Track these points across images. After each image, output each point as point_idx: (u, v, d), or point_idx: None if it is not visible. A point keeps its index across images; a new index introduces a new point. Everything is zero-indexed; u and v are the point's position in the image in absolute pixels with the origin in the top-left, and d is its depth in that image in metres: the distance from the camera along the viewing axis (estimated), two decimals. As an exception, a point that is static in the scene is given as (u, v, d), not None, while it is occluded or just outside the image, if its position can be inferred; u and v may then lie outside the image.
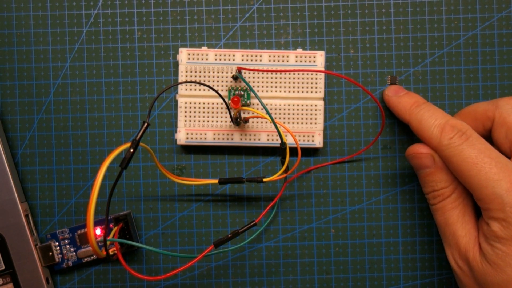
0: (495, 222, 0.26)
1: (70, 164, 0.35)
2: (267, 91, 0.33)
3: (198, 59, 0.33)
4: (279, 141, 0.32)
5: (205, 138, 0.33)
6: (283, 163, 0.30)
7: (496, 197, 0.26)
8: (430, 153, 0.29)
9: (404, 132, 0.34)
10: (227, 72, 0.33)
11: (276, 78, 0.33)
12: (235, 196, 0.35)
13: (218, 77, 0.33)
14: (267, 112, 0.30)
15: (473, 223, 0.29)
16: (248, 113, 0.33)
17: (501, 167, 0.26)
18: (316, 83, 0.33)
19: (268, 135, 0.33)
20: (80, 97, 0.35)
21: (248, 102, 0.33)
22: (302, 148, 0.33)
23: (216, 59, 0.33)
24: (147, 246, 0.32)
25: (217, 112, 0.33)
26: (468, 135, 0.28)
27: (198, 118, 0.33)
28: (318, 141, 0.33)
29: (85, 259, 0.34)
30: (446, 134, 0.28)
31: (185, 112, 0.33)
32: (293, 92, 0.33)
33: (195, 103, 0.33)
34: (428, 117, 0.29)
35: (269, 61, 0.33)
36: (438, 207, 0.29)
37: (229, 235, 0.30)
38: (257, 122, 0.33)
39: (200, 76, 0.33)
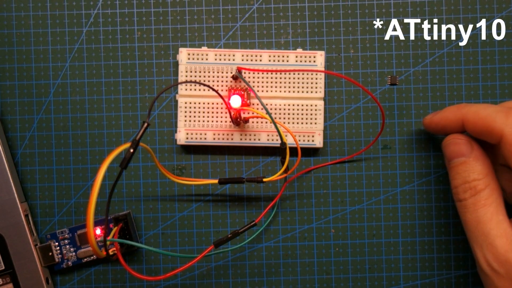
0: None
1: (70, 164, 0.35)
2: (267, 91, 0.33)
3: (198, 59, 0.33)
4: (279, 141, 0.32)
5: (205, 138, 0.33)
6: (283, 163, 0.30)
7: None
8: (469, 140, 0.28)
9: (404, 132, 0.34)
10: (227, 72, 0.33)
11: (276, 78, 0.33)
12: (235, 196, 0.35)
13: (218, 77, 0.33)
14: (267, 112, 0.30)
15: (508, 223, 0.26)
16: (248, 113, 0.33)
17: None
18: (316, 83, 0.33)
19: (268, 135, 0.33)
20: (80, 97, 0.35)
21: (248, 102, 0.33)
22: (302, 148, 0.33)
23: (216, 59, 0.33)
24: (147, 246, 0.32)
25: (217, 112, 0.33)
26: None
27: (198, 118, 0.33)
28: (318, 141, 0.33)
29: (85, 259, 0.34)
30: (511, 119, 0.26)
31: (185, 112, 0.33)
32: (293, 92, 0.33)
33: (195, 103, 0.33)
34: (484, 107, 0.27)
35: (269, 61, 0.33)
36: (469, 203, 0.27)
37: (229, 235, 0.30)
38: (257, 122, 0.33)
39: (200, 76, 0.33)
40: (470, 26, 0.34)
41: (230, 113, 0.32)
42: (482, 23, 0.34)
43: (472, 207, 0.27)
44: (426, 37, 0.34)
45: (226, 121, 0.33)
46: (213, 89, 0.30)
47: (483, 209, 0.27)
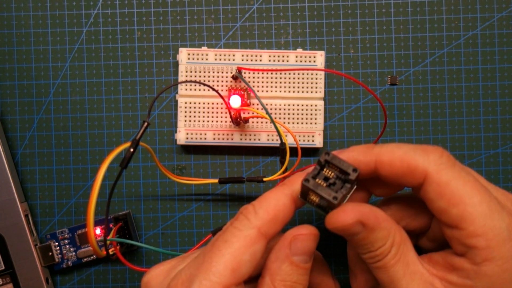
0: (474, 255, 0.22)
1: (70, 164, 0.35)
2: (267, 91, 0.33)
3: (198, 59, 0.33)
4: (279, 141, 0.32)
5: (205, 138, 0.33)
6: (283, 163, 0.30)
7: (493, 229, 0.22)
8: (356, 219, 0.23)
9: (404, 132, 0.34)
10: (227, 72, 0.33)
11: (276, 78, 0.33)
12: (235, 196, 0.35)
13: (218, 77, 0.33)
14: (267, 112, 0.30)
15: (421, 265, 0.24)
16: (248, 113, 0.33)
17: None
18: (316, 83, 0.33)
19: (268, 135, 0.33)
20: (80, 97, 0.35)
21: (248, 102, 0.33)
22: (302, 148, 0.33)
23: (216, 59, 0.33)
24: (147, 245, 0.32)
25: (217, 112, 0.33)
26: (453, 158, 0.24)
27: (198, 118, 0.33)
28: (318, 141, 0.33)
29: (85, 259, 0.34)
30: (434, 156, 0.23)
31: (185, 112, 0.33)
32: (293, 92, 0.33)
33: (195, 103, 0.33)
34: (398, 146, 0.24)
35: (269, 61, 0.33)
36: (378, 266, 0.24)
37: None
38: (257, 122, 0.33)
39: (200, 76, 0.33)
40: (470, 26, 0.34)
41: (230, 113, 0.32)
42: (482, 23, 0.34)
43: (383, 268, 0.24)
44: (426, 37, 0.34)
45: (226, 121, 0.33)
46: (213, 89, 0.30)
47: (394, 268, 0.24)
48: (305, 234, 0.24)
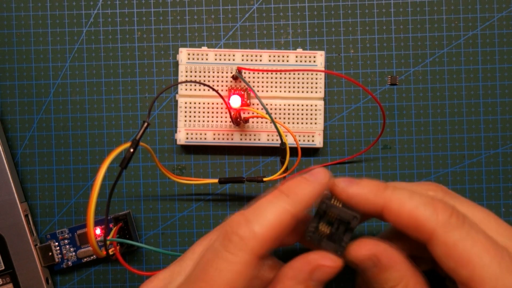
0: None
1: (70, 164, 0.35)
2: (267, 91, 0.33)
3: (198, 59, 0.33)
4: (279, 141, 0.32)
5: (205, 138, 0.33)
6: (283, 163, 0.30)
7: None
8: (369, 255, 0.23)
9: (404, 132, 0.34)
10: (227, 72, 0.33)
11: (276, 78, 0.33)
12: (235, 196, 0.35)
13: (218, 77, 0.33)
14: (267, 112, 0.30)
15: None
16: (248, 113, 0.33)
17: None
18: (316, 83, 0.33)
19: (268, 135, 0.33)
20: (80, 97, 0.35)
21: (248, 102, 0.33)
22: (302, 148, 0.33)
23: (216, 59, 0.33)
24: (147, 245, 0.32)
25: (217, 112, 0.33)
26: (462, 216, 0.23)
27: (198, 118, 0.33)
28: (318, 141, 0.33)
29: (85, 259, 0.34)
30: (443, 216, 0.22)
31: (185, 112, 0.33)
32: (293, 92, 0.33)
33: (195, 103, 0.33)
34: (410, 196, 0.23)
35: (269, 61, 0.33)
36: None
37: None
38: (257, 122, 0.33)
39: (200, 76, 0.33)
40: (470, 26, 0.34)
41: (230, 113, 0.32)
42: (482, 23, 0.34)
43: None
44: (426, 37, 0.34)
45: (226, 121, 0.33)
46: (213, 89, 0.30)
47: None
48: (330, 267, 0.23)
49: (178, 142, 0.33)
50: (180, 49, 0.33)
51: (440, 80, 0.34)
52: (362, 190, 0.24)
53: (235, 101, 0.32)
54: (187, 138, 0.33)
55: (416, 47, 0.34)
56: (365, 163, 0.34)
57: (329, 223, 0.23)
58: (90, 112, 0.35)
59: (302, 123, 0.33)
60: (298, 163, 0.34)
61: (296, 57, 0.33)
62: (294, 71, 0.33)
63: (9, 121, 0.35)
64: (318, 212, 0.23)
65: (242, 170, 0.35)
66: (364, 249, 0.23)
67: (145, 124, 0.26)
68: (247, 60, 0.33)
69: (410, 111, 0.34)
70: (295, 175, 0.25)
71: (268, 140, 0.33)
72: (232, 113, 0.32)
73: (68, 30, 0.35)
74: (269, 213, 0.22)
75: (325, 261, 0.22)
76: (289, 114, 0.33)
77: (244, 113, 0.33)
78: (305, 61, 0.33)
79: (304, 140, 0.33)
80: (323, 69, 0.33)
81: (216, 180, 0.32)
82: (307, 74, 0.33)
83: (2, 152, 0.33)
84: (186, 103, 0.33)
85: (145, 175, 0.35)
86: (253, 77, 0.33)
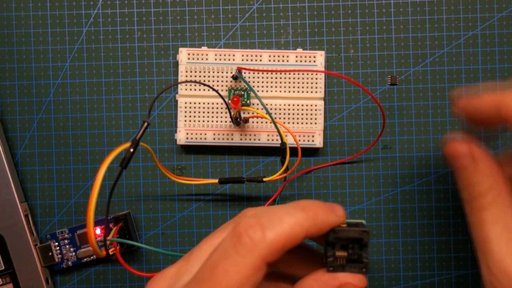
0: None
1: (70, 164, 0.35)
2: (267, 91, 0.33)
3: (198, 59, 0.33)
4: (279, 141, 0.32)
5: (205, 138, 0.33)
6: (283, 163, 0.30)
7: None
8: (468, 151, 0.24)
9: (404, 132, 0.34)
10: (227, 72, 0.33)
11: (276, 78, 0.33)
12: (235, 196, 0.35)
13: (218, 77, 0.33)
14: (267, 112, 0.30)
15: None
16: (248, 113, 0.33)
17: None
18: (316, 83, 0.33)
19: (268, 135, 0.33)
20: (80, 97, 0.35)
21: (248, 102, 0.33)
22: (302, 148, 0.33)
23: (216, 59, 0.33)
24: (147, 245, 0.32)
25: (217, 112, 0.33)
26: None
27: (198, 118, 0.33)
28: (318, 141, 0.33)
29: (85, 259, 0.34)
30: None
31: (185, 112, 0.33)
32: (293, 92, 0.33)
33: (195, 103, 0.33)
34: None
35: (269, 61, 0.33)
36: (473, 206, 0.24)
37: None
38: (257, 122, 0.33)
39: (200, 76, 0.33)
40: (470, 26, 0.34)
41: (230, 113, 0.32)
42: (482, 23, 0.34)
43: (477, 210, 0.24)
44: (426, 37, 0.34)
45: (226, 121, 0.33)
46: (213, 89, 0.30)
47: (487, 213, 0.23)
48: (357, 287, 0.23)
49: (178, 142, 0.33)
50: (180, 49, 0.33)
51: (440, 80, 0.34)
52: (479, 99, 0.25)
53: (235, 101, 0.32)
54: (187, 138, 0.33)
55: (416, 47, 0.34)
56: (365, 163, 0.34)
57: (343, 248, 0.23)
58: (90, 112, 0.35)
59: (302, 123, 0.33)
60: (298, 163, 0.34)
61: (296, 57, 0.33)
62: (294, 71, 0.33)
63: (9, 121, 0.35)
64: (329, 243, 0.23)
65: (242, 170, 0.35)
66: (464, 146, 0.25)
67: (145, 124, 0.26)
68: (247, 60, 0.33)
69: (410, 111, 0.34)
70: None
71: (268, 140, 0.33)
72: (232, 113, 0.32)
73: (68, 30, 0.35)
74: (285, 223, 0.21)
75: (354, 280, 0.22)
76: (289, 114, 0.33)
77: (244, 113, 0.33)
78: (305, 61, 0.33)
79: (304, 140, 0.33)
80: (323, 69, 0.33)
81: (216, 180, 0.32)
82: (307, 74, 0.33)
83: (2, 152, 0.33)
84: (186, 103, 0.33)
85: (145, 175, 0.35)
86: (253, 77, 0.33)
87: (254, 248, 0.21)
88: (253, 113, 0.33)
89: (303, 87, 0.33)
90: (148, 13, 0.35)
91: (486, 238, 0.23)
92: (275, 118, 0.33)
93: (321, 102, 0.33)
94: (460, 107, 0.26)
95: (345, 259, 0.23)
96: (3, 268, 0.32)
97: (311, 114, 0.33)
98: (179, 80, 0.33)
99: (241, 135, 0.33)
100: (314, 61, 0.33)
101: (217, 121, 0.33)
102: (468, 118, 0.26)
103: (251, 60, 0.33)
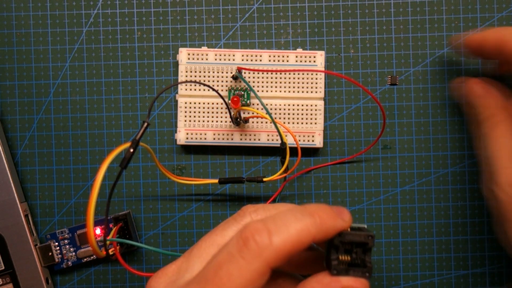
0: None
1: (70, 164, 0.35)
2: (267, 91, 0.33)
3: (198, 59, 0.33)
4: (279, 141, 0.32)
5: (205, 138, 0.33)
6: (283, 163, 0.30)
7: None
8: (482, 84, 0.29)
9: (404, 132, 0.34)
10: (227, 72, 0.33)
11: (276, 78, 0.33)
12: (235, 196, 0.35)
13: (218, 77, 0.33)
14: (267, 112, 0.30)
15: None
16: (248, 113, 0.33)
17: None
18: (316, 83, 0.33)
19: (268, 135, 0.33)
20: (80, 97, 0.35)
21: (248, 102, 0.33)
22: (302, 148, 0.33)
23: (216, 59, 0.33)
24: (147, 245, 0.32)
25: (217, 112, 0.33)
26: None
27: (198, 118, 0.33)
28: (318, 141, 0.33)
29: (85, 259, 0.34)
30: None
31: (185, 112, 0.33)
32: (293, 92, 0.33)
33: (195, 103, 0.33)
34: None
35: (269, 61, 0.33)
36: (482, 118, 0.28)
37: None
38: (257, 122, 0.33)
39: (200, 76, 0.33)
40: (470, 26, 0.34)
41: (230, 113, 0.32)
42: (482, 23, 0.34)
43: (490, 127, 0.27)
44: (426, 37, 0.34)
45: (226, 121, 0.33)
46: (213, 89, 0.30)
47: (499, 128, 0.27)
48: None
49: (178, 142, 0.33)
50: (180, 49, 0.33)
51: (440, 80, 0.34)
52: (483, 33, 0.29)
53: (235, 101, 0.32)
54: (187, 138, 0.33)
55: (416, 47, 0.34)
56: (365, 163, 0.34)
57: (347, 252, 0.23)
58: (90, 112, 0.35)
59: (302, 123, 0.33)
60: (298, 163, 0.34)
61: (296, 57, 0.33)
62: (294, 71, 0.33)
63: (9, 121, 0.35)
64: (333, 246, 0.23)
65: (242, 170, 0.35)
66: (478, 80, 0.30)
67: (145, 124, 0.26)
68: (247, 60, 0.33)
69: (410, 111, 0.34)
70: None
71: (268, 140, 0.33)
72: (232, 113, 0.32)
73: (68, 30, 0.35)
74: (292, 228, 0.21)
75: (356, 284, 0.22)
76: (289, 114, 0.33)
77: (244, 113, 0.33)
78: (305, 61, 0.33)
79: (304, 140, 0.33)
80: (323, 69, 0.33)
81: (216, 180, 0.32)
82: (307, 74, 0.33)
83: (2, 152, 0.33)
84: (186, 103, 0.33)
85: (145, 175, 0.35)
86: (253, 77, 0.33)
87: (260, 254, 0.20)
88: (253, 113, 0.33)
89: (303, 87, 0.33)
90: (148, 13, 0.35)
91: (496, 152, 0.26)
92: (275, 118, 0.33)
93: (321, 102, 0.33)
94: (465, 43, 0.30)
95: (347, 263, 0.23)
96: (3, 268, 0.32)
97: (311, 114, 0.33)
98: (179, 80, 0.33)
99: (241, 135, 0.33)
100: (314, 61, 0.33)
101: (217, 121, 0.33)
102: (471, 53, 0.30)
103: (251, 60, 0.33)
